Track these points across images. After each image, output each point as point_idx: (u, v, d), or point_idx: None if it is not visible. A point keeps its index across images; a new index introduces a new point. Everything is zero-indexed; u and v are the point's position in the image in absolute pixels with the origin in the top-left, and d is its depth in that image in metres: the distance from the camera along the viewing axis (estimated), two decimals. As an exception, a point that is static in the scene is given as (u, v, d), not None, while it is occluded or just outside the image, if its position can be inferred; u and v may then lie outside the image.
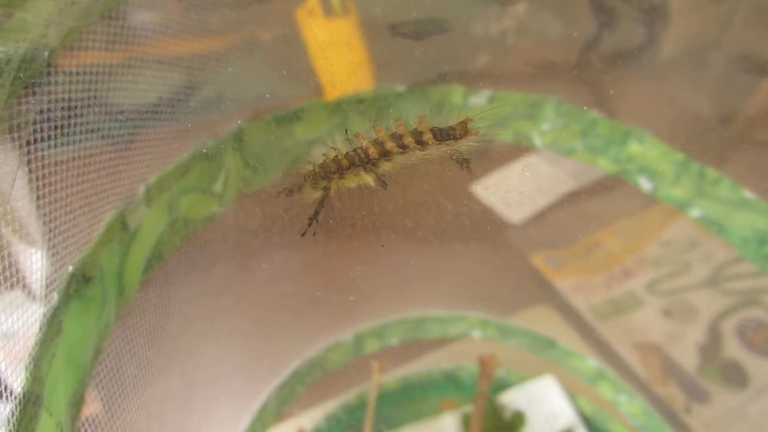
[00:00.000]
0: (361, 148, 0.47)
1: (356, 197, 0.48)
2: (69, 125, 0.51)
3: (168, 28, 0.68)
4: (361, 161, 0.47)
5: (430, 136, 0.47)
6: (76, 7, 0.41)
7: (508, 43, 0.92)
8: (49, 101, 0.48)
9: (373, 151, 0.47)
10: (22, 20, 0.37)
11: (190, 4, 0.70)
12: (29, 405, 0.40)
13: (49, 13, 0.39)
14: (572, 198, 1.04)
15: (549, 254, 1.13)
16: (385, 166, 0.47)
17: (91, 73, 0.54)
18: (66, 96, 0.51)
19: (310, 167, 0.48)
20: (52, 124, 0.49)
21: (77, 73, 0.52)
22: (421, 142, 0.47)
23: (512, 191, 0.97)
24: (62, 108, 0.50)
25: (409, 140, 0.47)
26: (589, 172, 0.94)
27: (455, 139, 0.47)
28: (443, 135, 0.47)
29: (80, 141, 0.53)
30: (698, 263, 1.04)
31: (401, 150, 0.47)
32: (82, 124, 0.53)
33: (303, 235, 0.49)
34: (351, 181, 0.48)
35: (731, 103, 0.87)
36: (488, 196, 0.99)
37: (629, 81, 0.90)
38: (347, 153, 0.48)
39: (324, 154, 0.48)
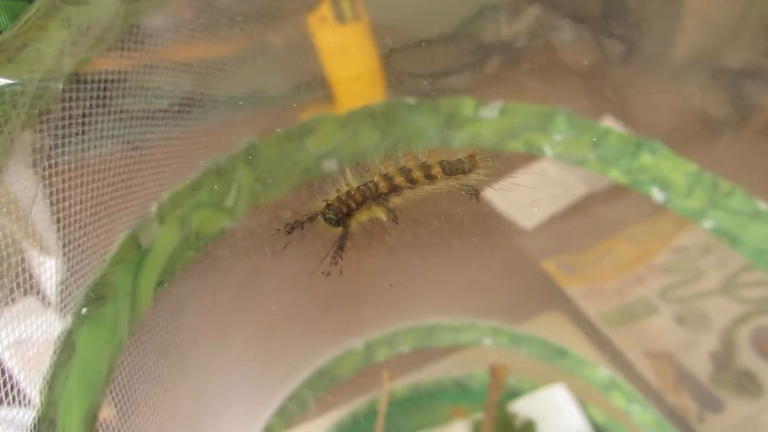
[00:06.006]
0: (372, 182, 0.48)
1: (366, 236, 0.48)
2: (81, 131, 0.51)
3: (179, 33, 0.68)
4: (372, 195, 0.47)
5: (439, 170, 0.48)
6: (90, 36, 0.41)
7: (518, 48, 0.92)
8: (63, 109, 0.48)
9: (383, 186, 0.47)
10: (37, 50, 0.38)
11: (201, 9, 0.71)
12: (43, 430, 0.40)
13: (63, 43, 0.39)
14: (584, 204, 1.03)
15: (561, 260, 1.12)
16: (396, 200, 0.48)
17: (102, 81, 0.54)
18: (78, 102, 0.51)
19: (324, 204, 0.48)
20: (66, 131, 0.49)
21: (90, 81, 0.52)
22: (430, 176, 0.48)
23: (523, 197, 0.97)
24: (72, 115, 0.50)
25: (418, 174, 0.47)
26: (601, 178, 0.93)
27: (464, 172, 0.48)
28: (452, 169, 0.48)
29: (91, 148, 0.54)
30: (712, 270, 1.03)
31: (410, 185, 0.48)
32: (94, 130, 0.53)
33: (328, 275, 0.50)
34: (363, 216, 0.48)
35: (744, 112, 0.86)
36: (499, 203, 0.99)
37: (641, 87, 0.90)
38: (359, 187, 0.48)
39: (337, 190, 0.48)
